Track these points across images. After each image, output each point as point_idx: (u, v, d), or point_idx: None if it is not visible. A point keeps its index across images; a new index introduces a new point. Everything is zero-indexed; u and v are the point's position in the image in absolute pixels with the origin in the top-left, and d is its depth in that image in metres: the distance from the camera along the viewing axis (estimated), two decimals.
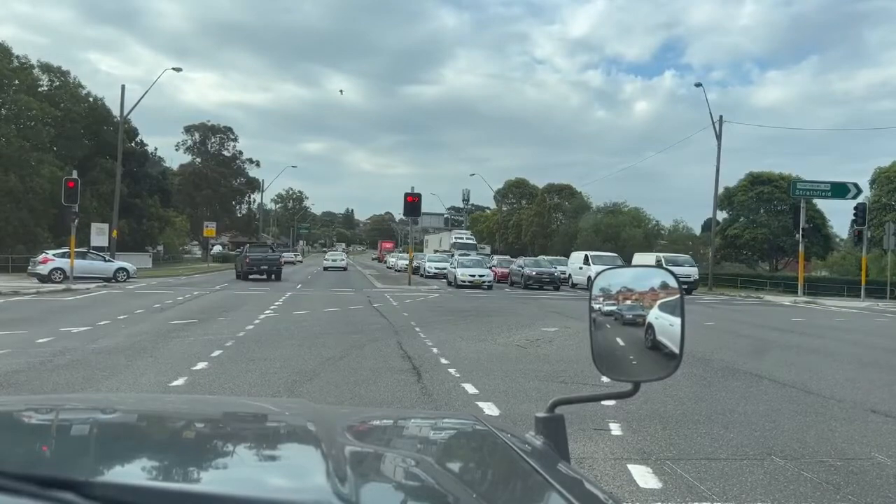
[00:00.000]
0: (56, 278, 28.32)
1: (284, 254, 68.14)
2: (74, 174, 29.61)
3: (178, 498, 0.88)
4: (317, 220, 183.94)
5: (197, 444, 1.32)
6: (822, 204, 48.76)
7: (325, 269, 55.43)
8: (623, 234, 60.68)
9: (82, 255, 30.77)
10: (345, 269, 56.29)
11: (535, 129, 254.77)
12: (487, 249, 63.65)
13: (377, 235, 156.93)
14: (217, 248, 68.90)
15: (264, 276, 34.49)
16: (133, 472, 1.04)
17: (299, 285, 32.44)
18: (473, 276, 33.18)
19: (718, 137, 40.37)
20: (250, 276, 33.96)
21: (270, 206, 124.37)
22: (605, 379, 1.65)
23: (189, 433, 1.42)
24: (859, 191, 37.22)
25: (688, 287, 32.67)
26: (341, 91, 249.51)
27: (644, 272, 1.68)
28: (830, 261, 55.92)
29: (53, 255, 29.73)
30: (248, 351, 10.65)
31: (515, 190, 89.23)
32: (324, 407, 1.56)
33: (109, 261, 32.15)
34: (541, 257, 44.46)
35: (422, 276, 42.60)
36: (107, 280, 30.25)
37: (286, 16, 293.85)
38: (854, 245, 42.35)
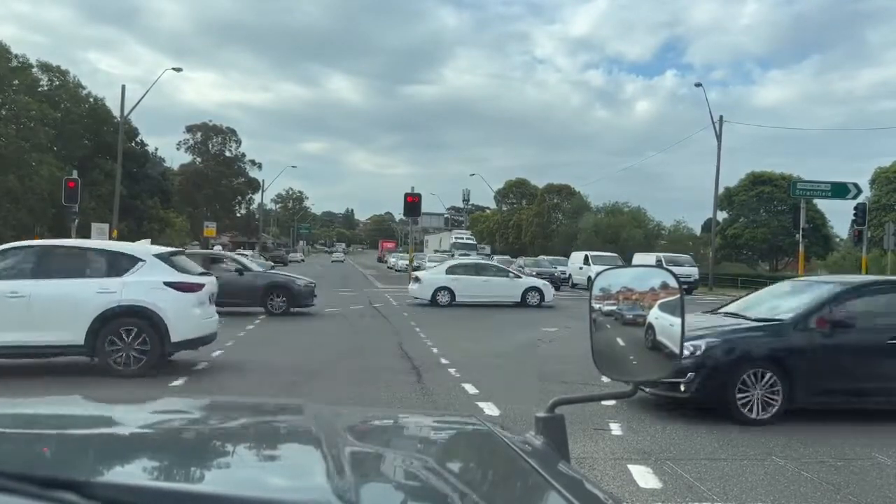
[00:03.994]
0: None
1: (289, 254, 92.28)
2: (75, 174, 29.56)
3: (178, 498, 0.88)
4: (317, 220, 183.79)
5: (197, 444, 1.32)
6: (822, 204, 48.85)
7: (333, 262, 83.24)
8: (623, 234, 60.59)
9: None
10: (342, 261, 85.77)
11: (536, 129, 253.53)
12: (487, 249, 63.43)
13: (377, 235, 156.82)
14: (217, 249, 69.53)
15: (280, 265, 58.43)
16: (133, 472, 1.04)
17: None
18: None
19: (718, 137, 40.35)
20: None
21: (270, 206, 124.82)
22: (605, 379, 1.66)
23: (189, 433, 1.41)
24: (859, 191, 37.14)
25: (688, 287, 32.63)
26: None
27: (644, 272, 1.68)
28: (830, 261, 55.86)
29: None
30: (247, 351, 10.65)
31: (515, 190, 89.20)
32: (324, 407, 1.55)
33: None
34: (541, 257, 44.38)
35: None
36: None
37: (286, 15, 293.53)
38: (854, 245, 42.27)
